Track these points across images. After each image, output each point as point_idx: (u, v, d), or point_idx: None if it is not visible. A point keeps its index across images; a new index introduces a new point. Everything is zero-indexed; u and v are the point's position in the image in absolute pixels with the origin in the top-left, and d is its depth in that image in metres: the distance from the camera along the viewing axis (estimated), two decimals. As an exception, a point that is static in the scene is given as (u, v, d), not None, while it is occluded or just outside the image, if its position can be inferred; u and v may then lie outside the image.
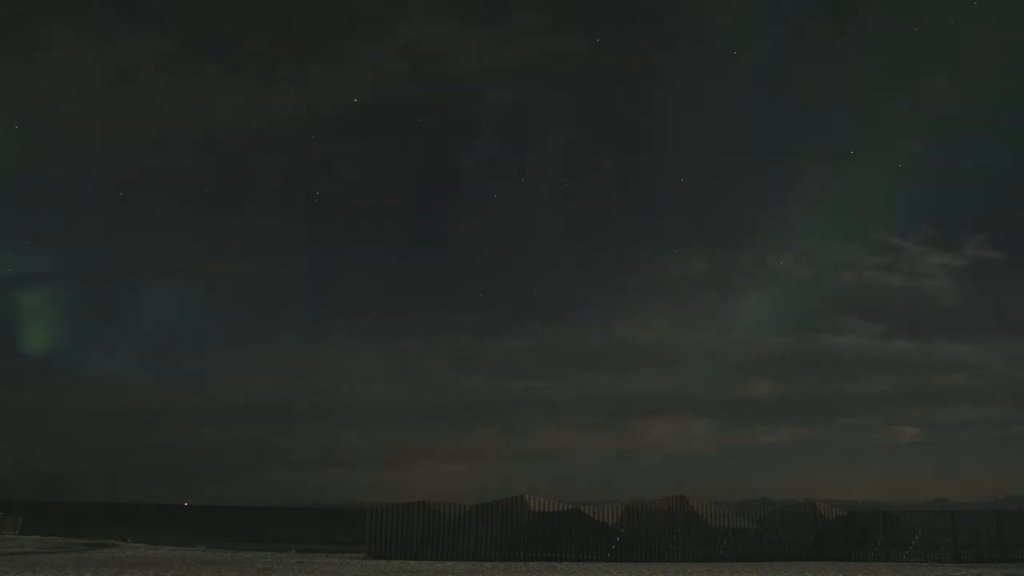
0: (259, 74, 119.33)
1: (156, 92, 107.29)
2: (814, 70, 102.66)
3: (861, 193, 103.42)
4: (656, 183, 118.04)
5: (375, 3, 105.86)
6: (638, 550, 26.39)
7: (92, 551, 28.31)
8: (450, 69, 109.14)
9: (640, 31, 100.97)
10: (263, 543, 39.21)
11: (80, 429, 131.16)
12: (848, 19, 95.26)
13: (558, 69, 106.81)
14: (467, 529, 26.78)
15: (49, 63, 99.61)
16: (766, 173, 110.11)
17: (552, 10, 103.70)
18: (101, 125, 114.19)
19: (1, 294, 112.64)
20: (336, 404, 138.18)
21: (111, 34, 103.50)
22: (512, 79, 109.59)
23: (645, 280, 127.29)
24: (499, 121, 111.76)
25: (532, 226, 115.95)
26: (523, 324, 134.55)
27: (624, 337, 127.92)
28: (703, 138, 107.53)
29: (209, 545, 35.70)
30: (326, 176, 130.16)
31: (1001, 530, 26.33)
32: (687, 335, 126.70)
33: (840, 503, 30.42)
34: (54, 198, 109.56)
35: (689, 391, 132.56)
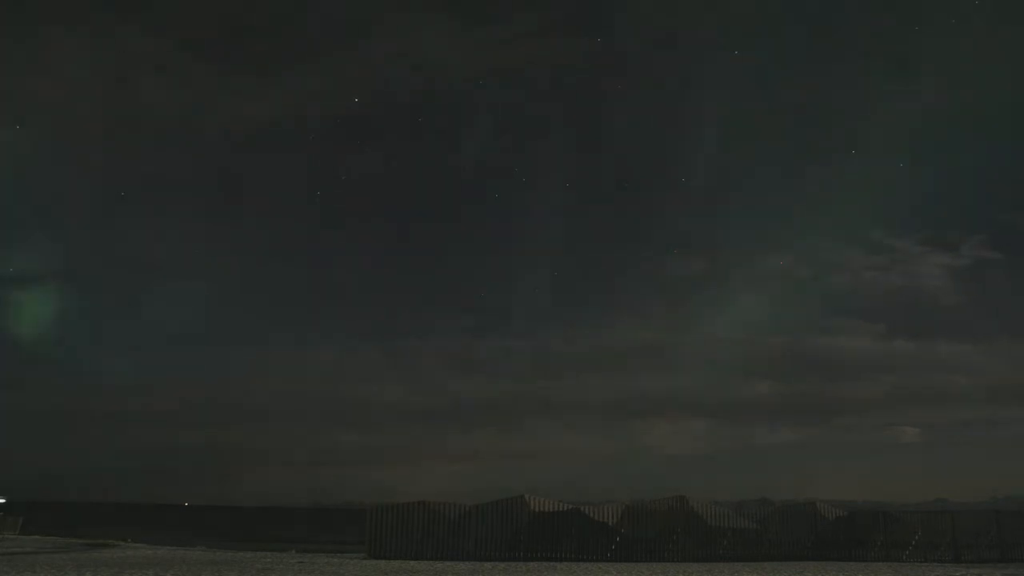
0: (259, 74, 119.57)
1: (156, 92, 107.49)
2: (814, 70, 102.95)
3: (861, 193, 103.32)
4: (656, 183, 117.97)
5: (375, 3, 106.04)
6: (638, 550, 26.39)
7: (92, 551, 28.31)
8: (450, 69, 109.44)
9: (640, 31, 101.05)
10: (263, 543, 39.23)
11: (80, 429, 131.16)
12: (848, 19, 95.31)
13: (558, 69, 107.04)
14: (467, 529, 26.78)
15: (49, 63, 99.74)
16: (766, 173, 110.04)
17: (552, 10, 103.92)
18: (101, 125, 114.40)
19: (1, 294, 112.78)
20: (336, 404, 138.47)
21: (111, 34, 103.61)
22: (512, 79, 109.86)
23: (645, 280, 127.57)
24: (499, 121, 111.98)
25: (532, 226, 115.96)
26: (523, 324, 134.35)
27: (624, 337, 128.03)
28: (703, 138, 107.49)
29: (209, 545, 35.71)
30: (326, 176, 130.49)
31: (1001, 530, 26.32)
32: (687, 335, 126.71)
33: (840, 503, 30.42)
34: (54, 198, 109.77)
35: (689, 391, 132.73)
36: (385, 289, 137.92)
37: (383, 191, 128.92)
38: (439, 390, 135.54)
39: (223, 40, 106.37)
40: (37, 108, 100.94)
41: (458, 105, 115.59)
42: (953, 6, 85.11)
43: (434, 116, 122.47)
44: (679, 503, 27.26)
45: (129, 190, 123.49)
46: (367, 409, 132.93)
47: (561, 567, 22.81)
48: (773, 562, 24.81)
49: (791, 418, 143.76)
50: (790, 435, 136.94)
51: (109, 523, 58.17)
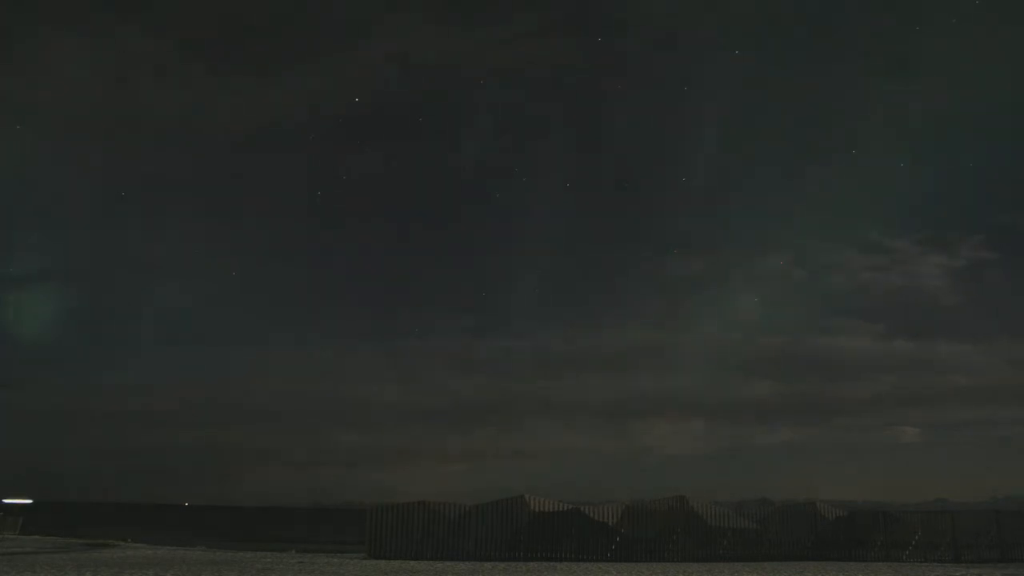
0: (259, 74, 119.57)
1: (156, 92, 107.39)
2: (814, 70, 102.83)
3: (861, 193, 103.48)
4: (656, 183, 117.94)
5: (375, 3, 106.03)
6: (638, 550, 26.39)
7: (92, 551, 28.31)
8: (450, 69, 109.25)
9: (640, 31, 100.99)
10: (263, 543, 39.22)
11: (81, 429, 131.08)
12: (848, 19, 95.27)
13: (558, 69, 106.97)
14: (467, 529, 26.78)
15: (49, 63, 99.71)
16: (766, 173, 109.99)
17: (552, 10, 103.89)
18: (101, 125, 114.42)
19: (2, 293, 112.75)
20: (336, 404, 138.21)
21: (111, 35, 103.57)
22: (512, 79, 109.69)
23: (645, 280, 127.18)
24: (499, 121, 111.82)
25: (532, 226, 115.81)
26: (523, 324, 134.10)
27: (624, 337, 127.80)
28: (703, 138, 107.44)
29: (209, 545, 35.71)
30: (326, 176, 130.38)
31: (1001, 530, 26.33)
32: (687, 335, 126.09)
33: (840, 503, 30.42)
34: (54, 198, 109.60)
35: (689, 391, 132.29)
36: (385, 289, 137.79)
37: (383, 191, 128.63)
38: (439, 390, 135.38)
39: (223, 40, 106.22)
40: (37, 108, 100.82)
41: (458, 105, 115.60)
42: (953, 6, 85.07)
43: (434, 116, 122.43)
44: (679, 503, 27.26)
45: (129, 190, 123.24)
46: (367, 409, 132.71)
47: (561, 567, 22.82)
48: (773, 562, 24.82)
49: (791, 418, 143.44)
50: (790, 435, 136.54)
51: (109, 523, 58.13)
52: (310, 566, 22.13)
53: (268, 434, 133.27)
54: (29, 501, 51.65)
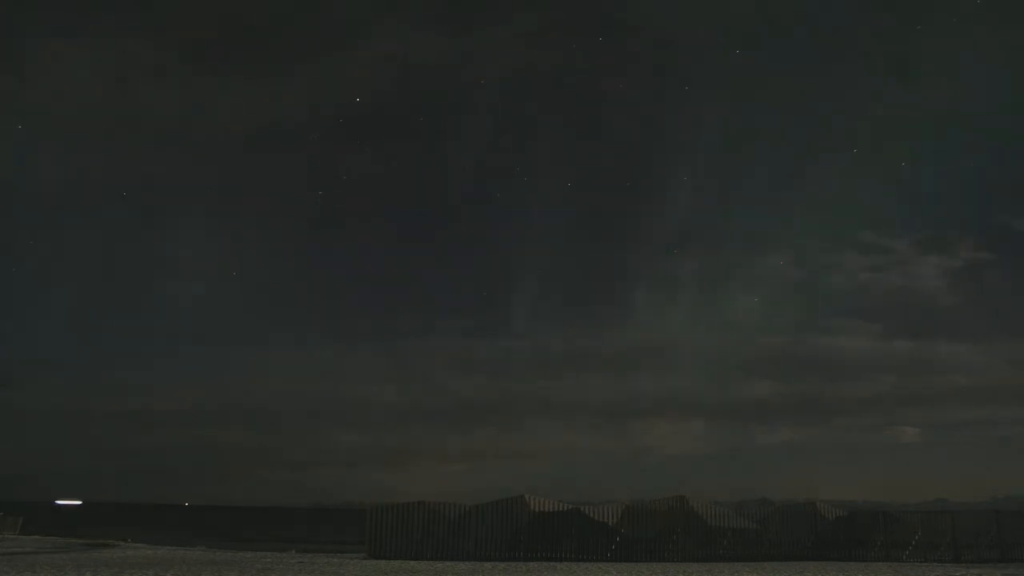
0: (259, 74, 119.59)
1: (156, 92, 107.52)
2: (814, 70, 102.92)
3: (860, 193, 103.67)
4: (656, 183, 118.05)
5: (375, 3, 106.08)
6: (638, 550, 26.39)
7: (92, 551, 28.31)
8: (450, 69, 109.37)
9: (640, 31, 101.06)
10: (263, 543, 39.23)
11: (80, 429, 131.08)
12: (848, 19, 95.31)
13: (558, 69, 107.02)
14: (467, 529, 26.77)
15: (50, 64, 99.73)
16: (765, 173, 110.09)
17: (552, 10, 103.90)
18: (102, 125, 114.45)
19: (2, 294, 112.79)
20: (336, 404, 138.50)
21: (111, 35, 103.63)
22: (512, 79, 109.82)
23: (645, 280, 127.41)
24: (499, 121, 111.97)
25: (532, 226, 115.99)
26: (522, 324, 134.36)
27: (624, 337, 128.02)
28: (703, 138, 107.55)
29: (209, 545, 35.71)
30: (326, 176, 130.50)
31: (1001, 530, 26.33)
32: (687, 335, 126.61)
33: (840, 503, 30.41)
34: (55, 198, 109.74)
35: (689, 391, 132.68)
36: (385, 289, 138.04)
37: (383, 191, 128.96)
38: (439, 390, 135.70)
39: (223, 40, 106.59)
40: (37, 108, 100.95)
41: (458, 105, 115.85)
42: (953, 6, 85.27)
43: (434, 116, 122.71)
44: (679, 503, 27.26)
45: (129, 190, 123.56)
46: (367, 409, 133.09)
47: (561, 567, 22.82)
48: (773, 562, 24.81)
49: (791, 418, 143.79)
50: (790, 435, 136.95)
51: (109, 523, 58.14)
52: (310, 566, 22.13)
53: (268, 434, 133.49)
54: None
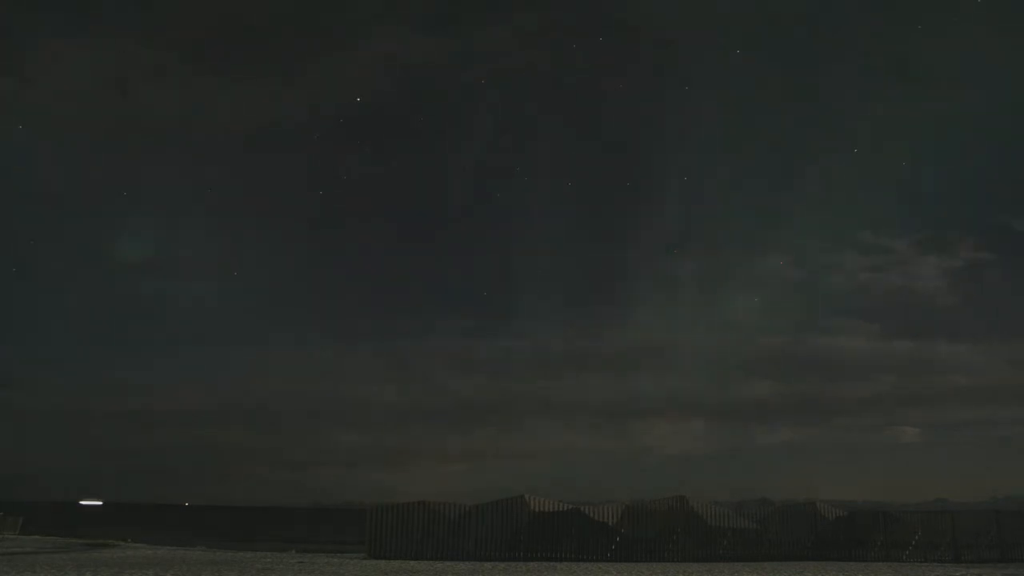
0: (259, 74, 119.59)
1: (156, 93, 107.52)
2: (814, 70, 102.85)
3: (860, 193, 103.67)
4: (656, 183, 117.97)
5: (375, 3, 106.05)
6: (638, 550, 26.39)
7: (92, 551, 28.31)
8: (450, 69, 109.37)
9: (640, 31, 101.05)
10: (263, 543, 39.22)
11: (80, 429, 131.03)
12: (848, 19, 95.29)
13: (558, 69, 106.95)
14: (467, 529, 26.78)
15: (50, 64, 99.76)
16: (765, 173, 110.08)
17: (552, 10, 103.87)
18: (101, 126, 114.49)
19: (2, 294, 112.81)
20: (336, 404, 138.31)
21: (111, 35, 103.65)
22: (512, 79, 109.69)
23: (645, 280, 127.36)
24: (499, 121, 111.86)
25: (532, 226, 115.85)
26: (522, 324, 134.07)
27: (624, 337, 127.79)
28: (703, 138, 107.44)
29: (209, 545, 35.70)
30: (326, 176, 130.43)
31: (1001, 530, 26.34)
32: (687, 335, 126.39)
33: (840, 503, 30.43)
34: (55, 198, 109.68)
35: (689, 391, 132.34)
36: (385, 289, 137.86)
37: (383, 191, 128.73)
38: (439, 390, 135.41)
39: (223, 41, 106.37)
40: (37, 108, 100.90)
41: (458, 105, 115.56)
42: (954, 6, 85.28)
43: (434, 116, 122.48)
44: (679, 503, 27.26)
45: (129, 190, 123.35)
46: (367, 409, 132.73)
47: (561, 567, 22.82)
48: (773, 562, 24.82)
49: (791, 418, 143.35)
50: (790, 435, 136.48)
51: (109, 523, 58.13)
52: (310, 566, 22.13)
53: (268, 434, 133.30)
54: (99, 503, 52.14)
